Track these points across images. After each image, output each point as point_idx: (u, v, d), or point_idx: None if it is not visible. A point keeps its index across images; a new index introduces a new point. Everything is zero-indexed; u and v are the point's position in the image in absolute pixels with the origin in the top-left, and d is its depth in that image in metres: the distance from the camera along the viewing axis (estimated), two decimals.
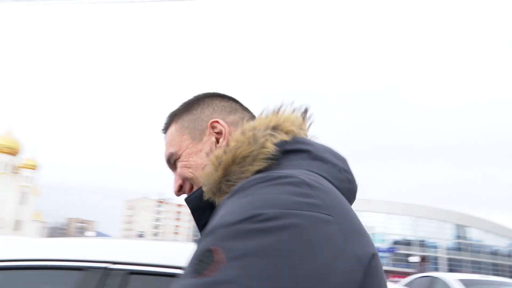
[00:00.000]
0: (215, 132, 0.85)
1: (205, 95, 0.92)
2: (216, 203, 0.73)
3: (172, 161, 0.87)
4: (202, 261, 0.51)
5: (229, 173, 0.71)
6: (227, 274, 0.48)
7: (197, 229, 0.80)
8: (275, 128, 0.74)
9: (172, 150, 0.87)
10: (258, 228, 0.51)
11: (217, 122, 0.85)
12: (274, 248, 0.50)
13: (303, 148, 0.73)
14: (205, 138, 0.85)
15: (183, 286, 0.51)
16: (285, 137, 0.74)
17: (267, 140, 0.71)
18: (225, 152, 0.72)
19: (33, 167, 70.03)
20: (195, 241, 0.65)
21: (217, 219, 0.57)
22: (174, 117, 0.90)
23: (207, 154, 0.81)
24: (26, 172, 69.23)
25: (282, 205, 0.54)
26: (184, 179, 0.86)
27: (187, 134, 0.87)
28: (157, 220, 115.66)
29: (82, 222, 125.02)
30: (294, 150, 0.73)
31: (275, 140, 0.72)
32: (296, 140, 0.75)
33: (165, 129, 0.92)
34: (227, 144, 0.78)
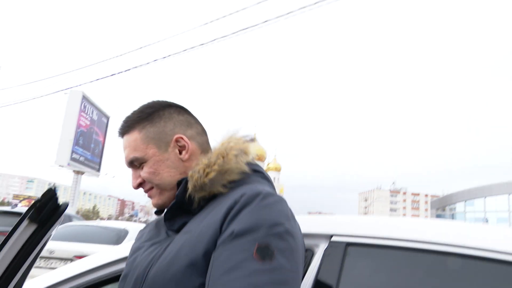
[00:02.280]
0: (178, 145, 1.05)
1: (161, 105, 1.08)
2: (193, 197, 0.98)
3: (136, 164, 1.04)
4: (264, 251, 0.79)
5: (212, 179, 0.97)
6: (279, 262, 0.79)
7: None
8: (246, 151, 1.04)
9: (137, 155, 1.03)
10: (285, 233, 0.84)
11: (181, 138, 1.05)
12: (293, 248, 0.84)
13: (259, 169, 1.07)
14: (169, 149, 1.04)
15: (252, 268, 0.77)
16: (249, 159, 1.04)
17: (241, 160, 1.01)
18: (213, 164, 0.98)
19: (277, 169, 79.93)
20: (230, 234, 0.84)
21: (257, 218, 0.83)
22: (135, 125, 1.04)
23: (182, 160, 1.04)
24: (272, 174, 79.59)
25: (288, 218, 0.88)
26: (148, 182, 1.04)
27: (152, 144, 1.03)
28: (392, 210, 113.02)
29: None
30: (255, 170, 1.05)
31: (245, 161, 1.02)
32: (254, 163, 1.06)
33: (124, 133, 1.06)
34: (189, 158, 1.05)
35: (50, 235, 0.63)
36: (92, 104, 22.07)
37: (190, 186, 0.98)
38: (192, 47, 10.32)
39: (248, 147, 1.05)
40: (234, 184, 0.98)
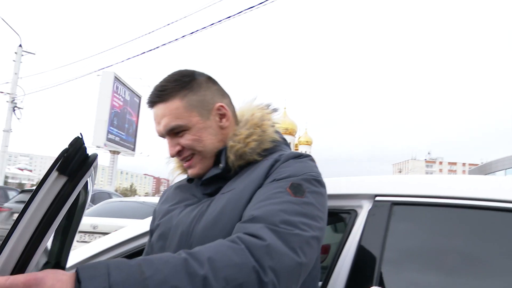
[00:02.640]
0: (219, 113, 1.09)
1: (196, 74, 1.09)
2: (232, 165, 1.05)
3: (177, 132, 1.05)
4: (296, 188, 0.90)
5: (253, 148, 1.05)
6: (309, 199, 0.89)
7: None
8: (275, 122, 1.14)
9: (180, 122, 1.03)
10: (316, 180, 0.95)
11: (222, 106, 1.09)
12: (322, 193, 0.95)
13: (283, 138, 1.16)
14: (211, 117, 1.08)
15: (284, 198, 0.88)
16: (276, 129, 1.14)
17: (274, 131, 1.12)
18: (253, 135, 1.06)
19: (308, 143, 79.73)
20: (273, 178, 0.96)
21: (294, 169, 0.96)
22: (174, 93, 1.04)
23: (221, 128, 1.08)
24: (303, 148, 79.47)
25: (319, 172, 0.99)
26: (189, 149, 1.06)
27: (196, 111, 1.05)
28: None
29: None
30: (283, 139, 1.16)
31: (275, 131, 1.12)
32: (279, 132, 1.16)
33: (161, 102, 1.05)
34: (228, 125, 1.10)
35: (80, 189, 0.60)
36: (124, 84, 22.47)
37: (230, 155, 1.05)
38: (219, 21, 10.20)
39: (275, 118, 1.15)
40: (267, 152, 1.07)
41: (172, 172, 1.24)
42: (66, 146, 0.57)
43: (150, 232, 1.20)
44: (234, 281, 0.70)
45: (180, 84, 1.05)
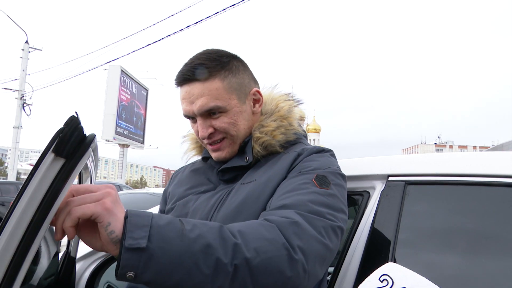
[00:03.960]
0: (253, 98, 1.08)
1: (233, 56, 1.06)
2: (256, 156, 1.04)
3: (214, 112, 1.00)
4: (322, 180, 0.90)
5: (278, 140, 1.05)
6: (333, 191, 0.90)
7: None
8: (301, 118, 1.16)
9: (219, 104, 0.99)
10: (340, 174, 0.96)
11: (258, 91, 1.08)
12: (345, 188, 0.96)
13: (304, 130, 1.17)
14: (247, 102, 1.06)
15: (311, 189, 0.87)
16: (298, 121, 1.13)
17: (299, 125, 1.13)
18: (280, 127, 1.06)
19: (317, 131, 79.49)
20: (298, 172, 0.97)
21: (318, 163, 0.96)
22: (215, 73, 0.99)
23: (253, 113, 1.08)
24: (312, 136, 79.27)
25: (338, 165, 1.01)
26: (222, 132, 1.02)
27: (235, 94, 1.02)
28: None
29: None
30: (304, 131, 1.16)
31: (299, 125, 1.13)
32: (302, 127, 1.16)
33: (198, 80, 0.98)
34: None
35: (79, 172, 0.57)
36: (131, 77, 22.51)
37: (256, 146, 1.04)
38: (224, 9, 10.09)
39: (299, 110, 1.15)
40: (288, 144, 1.07)
41: (186, 153, 1.21)
42: (62, 126, 0.53)
43: (160, 213, 1.18)
44: (264, 253, 0.69)
45: (220, 64, 1.01)
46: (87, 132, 0.56)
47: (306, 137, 1.17)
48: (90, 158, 0.62)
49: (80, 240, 1.20)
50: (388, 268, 0.90)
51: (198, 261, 0.64)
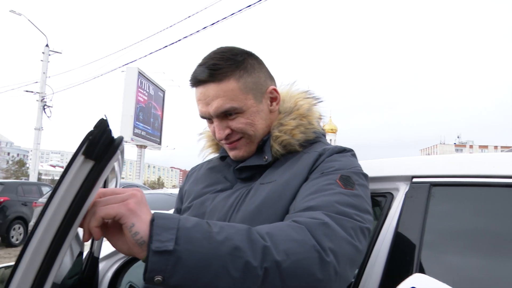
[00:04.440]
0: (270, 97, 1.05)
1: (247, 53, 1.03)
2: (274, 155, 1.02)
3: (230, 114, 0.99)
4: (346, 180, 0.88)
5: (298, 139, 1.03)
6: (358, 191, 0.87)
7: None
8: (321, 115, 1.13)
9: (235, 105, 0.97)
10: (363, 173, 0.94)
11: (275, 89, 1.06)
12: (368, 188, 0.94)
13: (323, 129, 1.14)
14: (264, 101, 1.03)
15: (336, 190, 0.85)
16: (317, 120, 1.11)
17: (318, 124, 1.11)
18: (299, 126, 1.04)
19: (333, 131, 78.94)
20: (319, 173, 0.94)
21: (341, 163, 0.94)
22: (229, 73, 0.97)
23: (270, 112, 1.05)
24: (328, 136, 78.69)
25: (360, 165, 0.98)
26: (239, 132, 1.01)
27: (251, 94, 1.00)
28: None
29: None
30: (323, 130, 1.13)
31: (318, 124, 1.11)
32: (321, 126, 1.13)
33: (213, 81, 0.96)
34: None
35: (108, 174, 0.58)
36: (148, 79, 22.76)
37: (275, 145, 1.02)
38: (240, 10, 10.12)
39: (319, 109, 1.12)
40: (307, 143, 1.04)
41: (202, 150, 1.20)
42: (91, 128, 0.54)
43: (176, 211, 1.17)
44: (294, 255, 0.67)
45: (235, 64, 0.98)
46: (115, 134, 0.57)
47: (325, 135, 1.14)
48: (118, 161, 0.63)
49: (103, 240, 1.21)
50: (416, 279, 0.88)
51: (226, 264, 0.63)
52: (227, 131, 1.01)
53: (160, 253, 0.60)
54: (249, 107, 1.00)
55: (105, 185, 0.74)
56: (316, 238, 0.71)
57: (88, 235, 0.65)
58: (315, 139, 1.06)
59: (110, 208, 0.62)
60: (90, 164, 0.55)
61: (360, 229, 0.80)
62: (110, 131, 0.56)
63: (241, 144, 1.03)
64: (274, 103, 1.06)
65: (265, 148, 1.03)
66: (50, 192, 0.55)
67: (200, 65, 1.00)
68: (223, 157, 1.13)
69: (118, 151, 0.58)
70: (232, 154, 1.06)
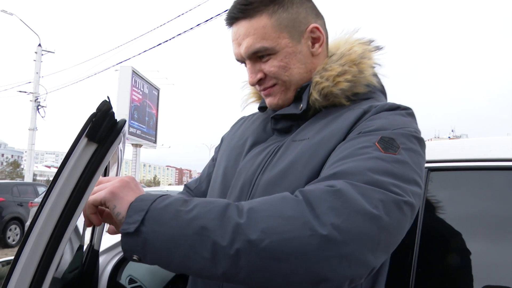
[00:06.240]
0: (311, 37, 0.90)
1: None
2: (313, 105, 0.88)
3: (262, 55, 0.88)
4: (388, 143, 0.72)
5: (342, 89, 0.86)
6: (403, 156, 0.71)
7: None
8: (377, 64, 0.93)
9: (267, 44, 0.86)
10: (415, 136, 0.76)
11: (317, 28, 0.90)
12: (420, 153, 0.75)
13: (382, 84, 0.96)
14: (303, 41, 0.89)
15: (372, 154, 0.70)
16: (375, 72, 0.93)
17: (374, 74, 0.91)
18: (346, 73, 0.86)
19: None
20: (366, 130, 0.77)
21: (387, 122, 0.77)
22: (262, 8, 0.86)
23: (312, 55, 0.90)
24: None
25: (418, 129, 0.80)
26: (272, 77, 0.89)
27: (286, 32, 0.87)
28: None
29: None
30: (381, 85, 0.96)
31: (374, 73, 0.92)
32: (379, 80, 0.95)
33: (244, 17, 0.87)
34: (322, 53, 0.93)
35: (110, 157, 0.58)
36: (142, 78, 22.66)
37: (314, 92, 0.87)
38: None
39: (376, 57, 0.93)
40: (357, 97, 0.88)
41: (245, 99, 1.09)
42: (94, 110, 0.54)
43: (212, 160, 1.12)
44: (277, 234, 0.57)
45: None
46: (118, 117, 0.57)
47: (384, 93, 0.96)
48: (120, 144, 0.63)
49: (103, 233, 1.21)
50: None
51: (194, 244, 0.60)
52: (259, 75, 0.90)
53: (128, 235, 0.61)
54: (283, 47, 0.87)
55: (106, 170, 0.74)
56: (315, 213, 0.59)
57: (88, 222, 0.68)
58: (367, 93, 0.90)
59: (97, 194, 0.65)
60: (93, 147, 0.55)
61: (396, 203, 0.63)
62: (113, 113, 0.56)
63: (276, 91, 0.92)
64: (317, 45, 0.91)
65: (303, 95, 0.90)
66: (54, 174, 0.55)
67: (234, 1, 0.91)
68: (263, 108, 1.03)
69: (121, 134, 0.58)
70: (267, 101, 0.95)
